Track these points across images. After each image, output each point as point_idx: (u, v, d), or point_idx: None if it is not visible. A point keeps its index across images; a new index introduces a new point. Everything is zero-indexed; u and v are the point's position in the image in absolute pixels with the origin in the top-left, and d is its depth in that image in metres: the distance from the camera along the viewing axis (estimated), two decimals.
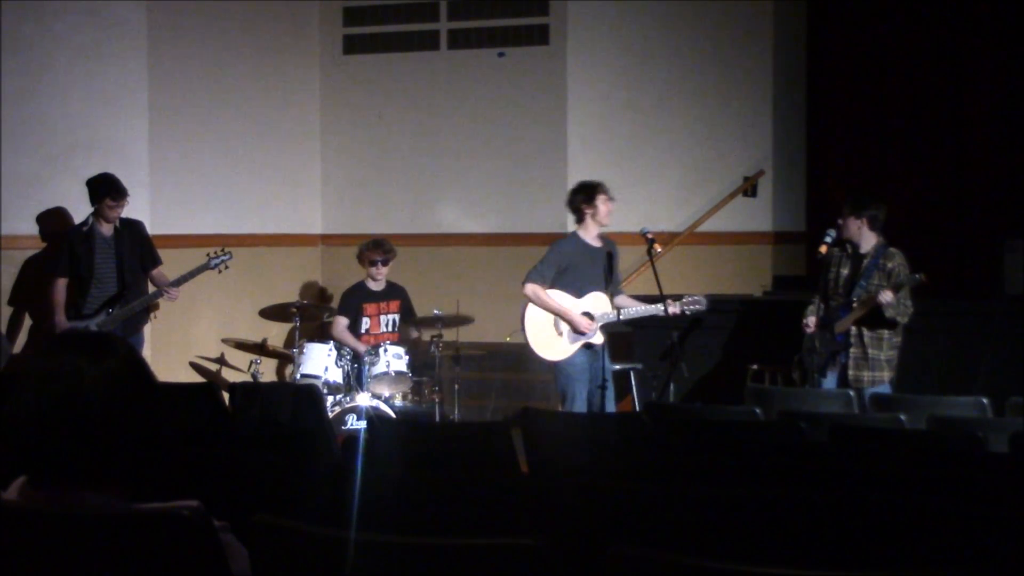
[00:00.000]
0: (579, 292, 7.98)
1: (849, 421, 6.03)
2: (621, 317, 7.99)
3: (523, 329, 8.06)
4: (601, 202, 8.00)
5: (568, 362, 7.96)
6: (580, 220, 8.09)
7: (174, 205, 9.88)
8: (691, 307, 8.04)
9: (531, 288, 7.98)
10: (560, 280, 7.99)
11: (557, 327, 7.99)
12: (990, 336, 8.89)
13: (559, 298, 7.98)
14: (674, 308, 7.98)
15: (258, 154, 10.70)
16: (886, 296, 7.46)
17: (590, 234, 8.07)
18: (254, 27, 10.63)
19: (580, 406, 7.86)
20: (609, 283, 8.07)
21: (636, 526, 3.63)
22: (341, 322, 9.28)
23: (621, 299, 8.11)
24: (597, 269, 8.02)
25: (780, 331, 8.32)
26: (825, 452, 5.02)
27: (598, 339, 7.97)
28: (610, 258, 8.07)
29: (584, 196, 8.04)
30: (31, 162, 8.99)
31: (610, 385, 8.02)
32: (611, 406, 8.04)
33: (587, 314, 7.94)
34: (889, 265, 7.67)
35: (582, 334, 7.93)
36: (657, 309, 7.94)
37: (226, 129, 10.42)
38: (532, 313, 8.03)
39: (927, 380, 8.46)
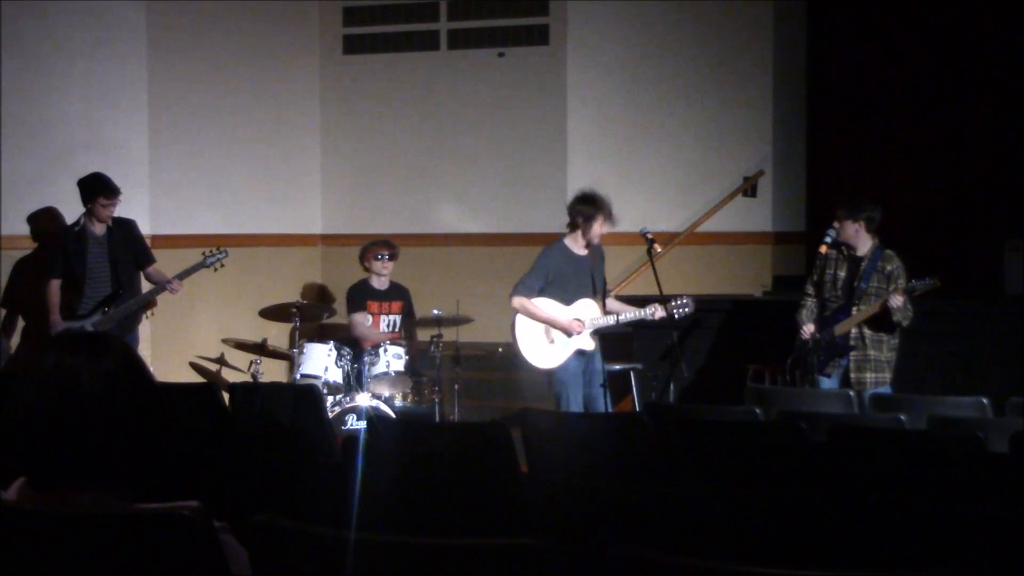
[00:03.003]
0: (568, 300, 7.98)
1: (849, 421, 6.03)
2: (611, 322, 8.01)
3: (515, 340, 8.06)
4: (597, 224, 7.97)
5: (561, 368, 7.98)
6: (572, 228, 8.08)
7: (174, 205, 9.89)
8: (679, 310, 8.03)
9: (518, 301, 7.99)
10: (548, 289, 8.00)
11: (548, 335, 7.99)
12: (990, 336, 8.89)
13: (547, 306, 7.98)
14: (660, 312, 7.98)
15: (258, 154, 10.69)
16: (897, 300, 7.46)
17: (577, 244, 8.06)
18: (254, 27, 10.63)
19: (574, 409, 7.87)
20: (596, 289, 8.07)
21: (636, 526, 3.63)
22: (361, 320, 9.29)
23: (611, 303, 8.13)
24: (584, 276, 8.01)
25: (780, 331, 8.32)
26: (825, 452, 5.02)
27: (588, 345, 7.98)
28: (595, 263, 8.06)
29: (584, 213, 7.98)
30: (31, 162, 8.99)
31: (598, 383, 8.03)
32: (599, 406, 8.03)
33: (577, 320, 7.95)
34: (888, 268, 7.68)
35: (571, 336, 7.93)
36: (644, 313, 7.96)
37: (226, 129, 10.42)
38: (522, 323, 8.03)
39: (927, 380, 8.46)
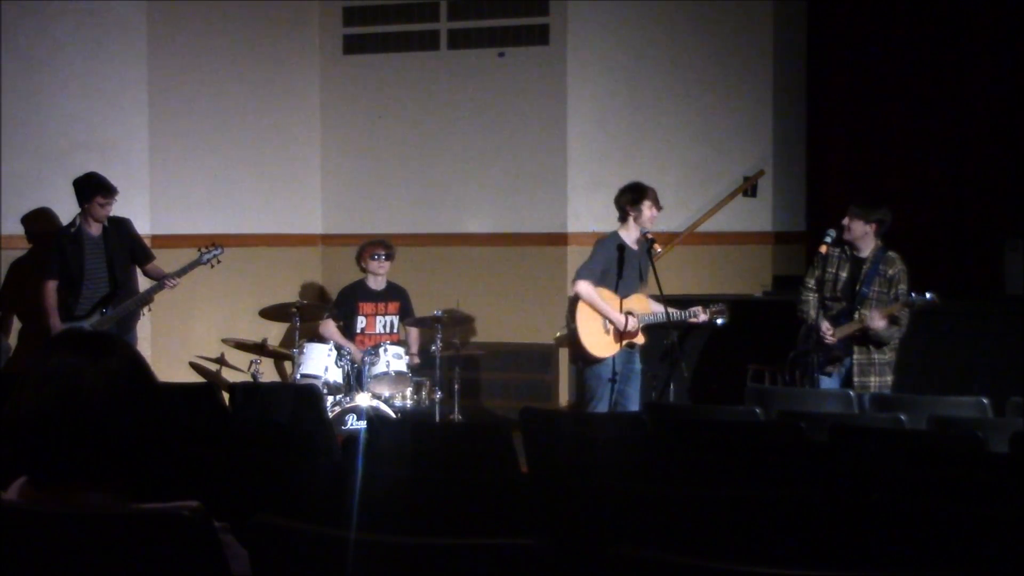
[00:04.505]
0: (619, 293, 8.03)
1: (849, 421, 6.03)
2: (658, 320, 8.04)
3: (575, 322, 8.09)
4: (646, 207, 8.04)
5: (604, 362, 8.01)
6: (623, 219, 8.13)
7: (174, 205, 9.88)
8: (719, 316, 8.15)
9: (584, 286, 8.02)
10: (602, 280, 8.04)
11: (607, 325, 8.04)
12: (990, 336, 8.89)
13: (604, 297, 8.05)
14: (703, 316, 8.12)
15: (258, 154, 10.69)
16: (878, 323, 7.45)
17: (630, 235, 8.10)
18: (254, 27, 10.62)
19: (603, 408, 7.91)
20: (643, 284, 8.12)
21: (636, 526, 3.63)
22: (328, 324, 9.27)
23: (651, 303, 8.17)
24: (634, 270, 8.07)
25: (780, 331, 8.32)
26: (825, 452, 5.03)
27: (640, 339, 8.08)
28: (644, 258, 8.09)
29: (631, 197, 8.08)
30: (31, 162, 8.98)
31: (636, 384, 8.07)
32: (633, 405, 8.08)
33: (629, 314, 7.99)
34: (890, 272, 7.61)
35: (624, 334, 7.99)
36: (689, 314, 8.09)
37: (226, 129, 10.42)
38: (585, 308, 8.07)
39: (927, 380, 8.46)
